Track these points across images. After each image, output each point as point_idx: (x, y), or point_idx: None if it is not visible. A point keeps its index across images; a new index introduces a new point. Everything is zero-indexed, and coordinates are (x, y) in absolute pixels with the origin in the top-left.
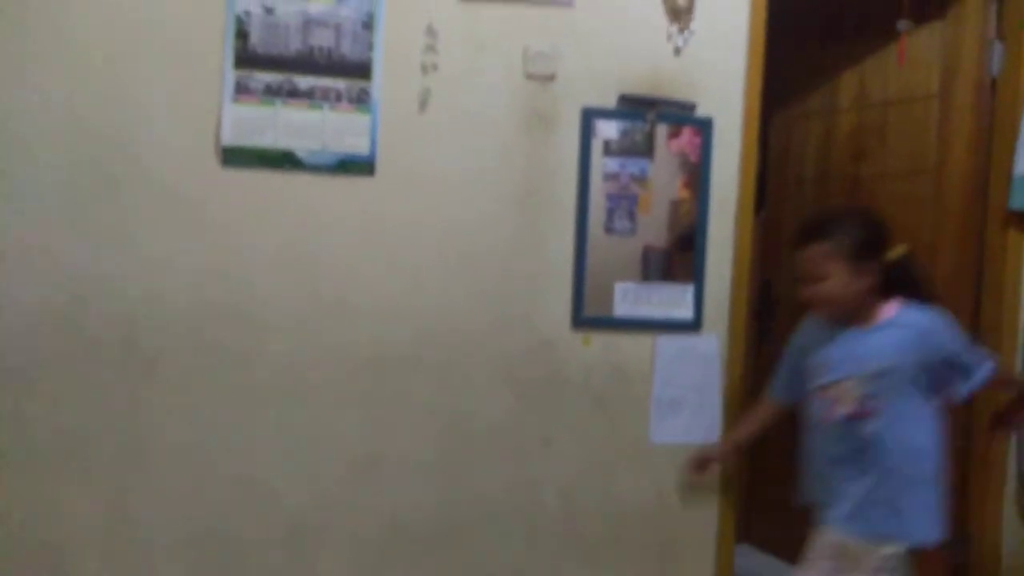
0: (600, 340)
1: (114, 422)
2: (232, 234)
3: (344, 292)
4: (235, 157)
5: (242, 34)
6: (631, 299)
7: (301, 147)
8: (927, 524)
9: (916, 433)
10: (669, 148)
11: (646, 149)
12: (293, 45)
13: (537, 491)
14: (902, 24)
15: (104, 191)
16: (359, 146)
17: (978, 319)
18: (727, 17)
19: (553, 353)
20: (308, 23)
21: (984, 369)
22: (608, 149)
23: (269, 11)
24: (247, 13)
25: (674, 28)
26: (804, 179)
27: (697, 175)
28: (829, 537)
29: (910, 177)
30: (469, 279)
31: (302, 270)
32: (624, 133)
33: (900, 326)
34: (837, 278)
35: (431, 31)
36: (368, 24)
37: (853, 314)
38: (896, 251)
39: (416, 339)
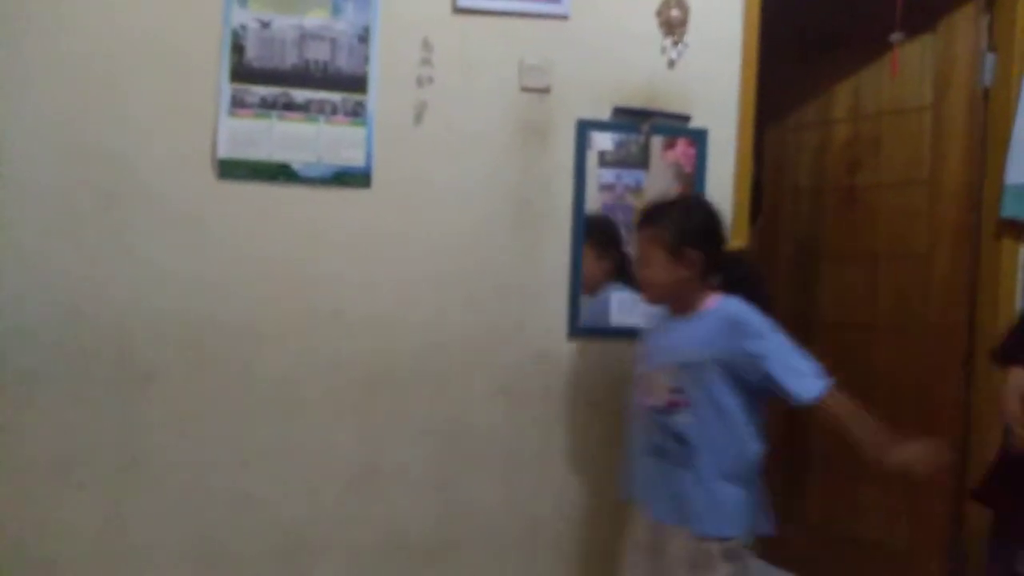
0: (596, 350)
1: (110, 435)
2: (228, 246)
3: (340, 304)
4: (231, 170)
5: (238, 48)
6: (627, 308)
7: (297, 160)
8: (731, 521)
9: (723, 430)
10: (664, 159)
11: (641, 160)
12: (289, 59)
13: (534, 502)
14: (895, 36)
15: (100, 203)
16: (355, 159)
17: (973, 328)
18: (721, 29)
19: (549, 363)
20: (304, 37)
21: (817, 385)
22: (603, 160)
23: (265, 25)
24: (243, 27)
25: (668, 41)
26: (799, 190)
27: (692, 185)
28: (646, 530)
29: (904, 187)
30: (465, 290)
31: (298, 282)
32: (619, 144)
33: (713, 318)
34: (658, 264)
35: (427, 44)
36: (364, 37)
37: (676, 303)
38: (730, 247)
39: (412, 351)
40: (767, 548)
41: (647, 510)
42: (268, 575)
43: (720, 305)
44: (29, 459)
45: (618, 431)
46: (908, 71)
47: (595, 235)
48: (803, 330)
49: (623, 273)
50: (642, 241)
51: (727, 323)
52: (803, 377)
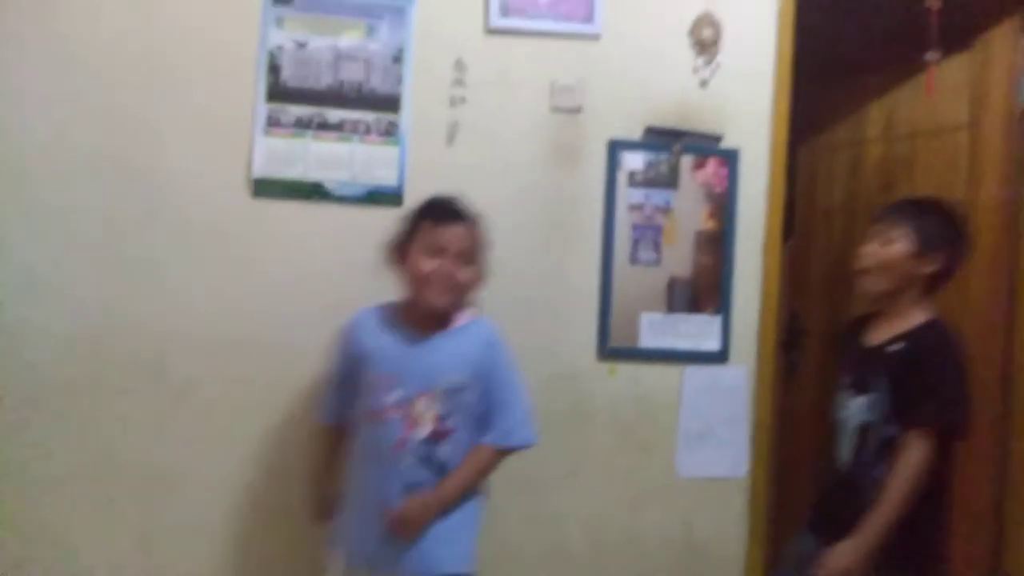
0: (626, 371)
1: (141, 450)
2: (261, 265)
3: None
4: (265, 189)
5: (274, 68)
6: (657, 330)
7: (330, 179)
8: (468, 552)
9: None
10: (694, 179)
11: (671, 180)
12: (324, 79)
13: (561, 525)
14: (930, 55)
15: (136, 222)
16: (387, 178)
17: (1011, 353)
18: (754, 49)
19: (578, 384)
20: (339, 57)
21: (530, 436)
22: (633, 180)
23: (301, 46)
24: (279, 48)
25: (700, 61)
26: (832, 210)
27: (722, 205)
28: None
29: None
30: (495, 310)
31: (331, 300)
32: (648, 164)
33: (470, 335)
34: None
35: (460, 65)
36: (398, 58)
37: (432, 318)
38: None
39: None
40: None
41: (390, 559)
42: None
43: (476, 322)
44: (62, 472)
45: (646, 454)
46: (944, 90)
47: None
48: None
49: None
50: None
51: (484, 343)
52: (524, 423)
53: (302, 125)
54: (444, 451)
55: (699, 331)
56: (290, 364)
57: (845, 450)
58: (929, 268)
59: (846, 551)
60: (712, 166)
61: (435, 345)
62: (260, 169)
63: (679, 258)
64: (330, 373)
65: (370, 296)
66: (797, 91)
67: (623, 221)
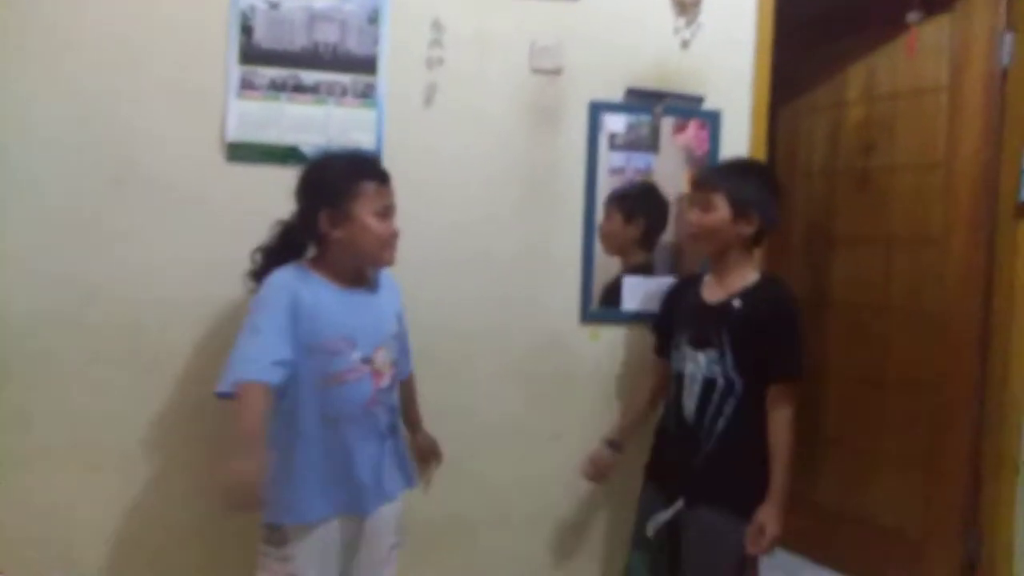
0: (608, 334)
1: (123, 417)
2: (237, 230)
3: None
4: (240, 153)
5: (247, 29)
6: (638, 293)
7: (306, 142)
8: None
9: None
10: (674, 142)
11: (651, 143)
12: (298, 40)
13: (546, 486)
14: (912, 15)
15: (109, 187)
16: (365, 141)
17: (989, 313)
18: (735, 10)
19: (562, 348)
20: (313, 18)
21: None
22: (613, 143)
23: (274, 6)
24: (252, 8)
25: (681, 21)
26: (812, 172)
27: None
28: (390, 515)
29: (919, 170)
30: (476, 274)
31: None
32: (629, 127)
33: (388, 285)
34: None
35: (437, 26)
36: (373, 19)
37: (360, 275)
38: None
39: (423, 335)
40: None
41: (388, 493)
42: None
43: (383, 274)
44: (43, 441)
45: None
46: (924, 51)
47: (625, 200)
48: (816, 312)
49: (650, 239)
50: None
51: (397, 292)
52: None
53: (276, 88)
54: (394, 395)
55: None
56: None
57: (689, 403)
58: (748, 229)
59: (772, 516)
60: (692, 129)
61: (373, 300)
62: (234, 133)
63: None
64: (268, 328)
65: None
66: (777, 52)
67: (604, 184)
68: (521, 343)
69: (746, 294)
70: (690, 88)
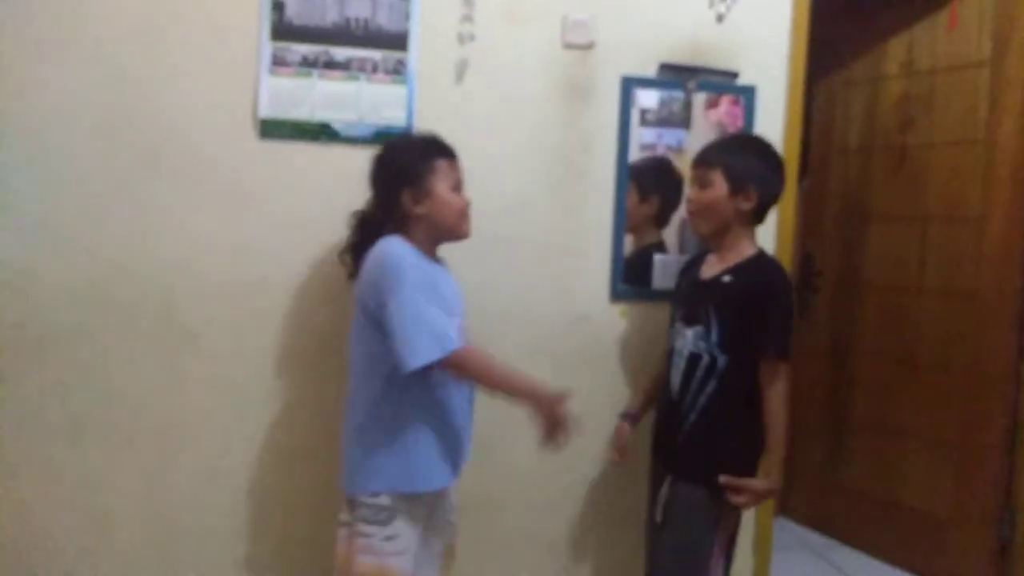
0: (638, 313)
1: (154, 393)
2: (269, 206)
3: None
4: (272, 129)
5: (279, 6)
6: (669, 271)
7: (338, 119)
8: None
9: None
10: (707, 118)
11: (683, 119)
12: (330, 16)
13: (573, 464)
14: None
15: (142, 164)
16: (396, 117)
17: None
18: None
19: (590, 326)
20: None
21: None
22: (644, 119)
23: None
24: None
25: None
26: (848, 149)
27: None
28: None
29: (959, 147)
30: (506, 251)
31: (338, 241)
32: (661, 103)
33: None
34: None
35: (468, 1)
36: None
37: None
38: None
39: None
40: (808, 513)
41: (457, 469)
42: (313, 529)
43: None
44: (75, 415)
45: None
46: (966, 24)
47: (640, 177)
48: (849, 291)
49: (664, 217)
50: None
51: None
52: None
53: (308, 64)
54: None
55: None
56: (299, 305)
57: (676, 378)
58: (746, 205)
59: (768, 483)
60: (725, 104)
61: (450, 275)
62: (266, 109)
63: None
64: (423, 303)
65: None
66: (815, 25)
67: (635, 160)
68: (550, 320)
69: (737, 270)
70: (724, 63)
